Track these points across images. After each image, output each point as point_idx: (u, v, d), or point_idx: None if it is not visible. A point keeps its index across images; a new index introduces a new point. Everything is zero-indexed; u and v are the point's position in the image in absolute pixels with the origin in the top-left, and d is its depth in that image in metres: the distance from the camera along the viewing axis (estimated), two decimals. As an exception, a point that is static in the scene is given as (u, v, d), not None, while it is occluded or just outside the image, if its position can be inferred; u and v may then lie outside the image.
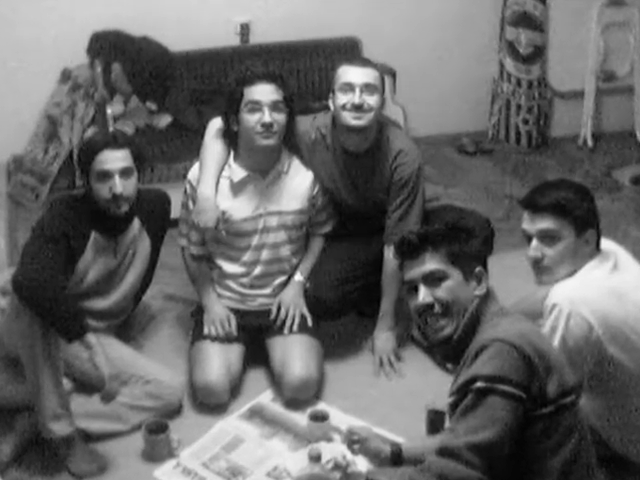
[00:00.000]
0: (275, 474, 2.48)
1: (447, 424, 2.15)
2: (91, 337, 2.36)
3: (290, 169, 2.89)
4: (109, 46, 3.98)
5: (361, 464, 2.36)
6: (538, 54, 4.77)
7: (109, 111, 3.89)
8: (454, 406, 1.83)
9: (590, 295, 2.22)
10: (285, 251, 2.91)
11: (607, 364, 2.24)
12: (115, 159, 2.57)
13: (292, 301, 2.89)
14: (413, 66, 4.57)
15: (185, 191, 2.90)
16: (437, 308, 1.93)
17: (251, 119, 2.72)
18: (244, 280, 2.90)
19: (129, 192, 2.61)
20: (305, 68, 4.26)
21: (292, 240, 2.92)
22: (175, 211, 2.96)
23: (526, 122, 4.88)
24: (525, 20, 4.69)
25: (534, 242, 2.30)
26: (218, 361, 2.75)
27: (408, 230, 2.45)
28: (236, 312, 2.90)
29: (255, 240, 2.86)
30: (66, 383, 2.56)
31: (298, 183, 2.90)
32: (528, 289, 2.57)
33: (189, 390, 2.78)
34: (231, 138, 2.83)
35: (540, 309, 2.28)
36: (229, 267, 2.89)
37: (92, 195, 2.61)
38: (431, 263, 1.94)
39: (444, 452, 1.75)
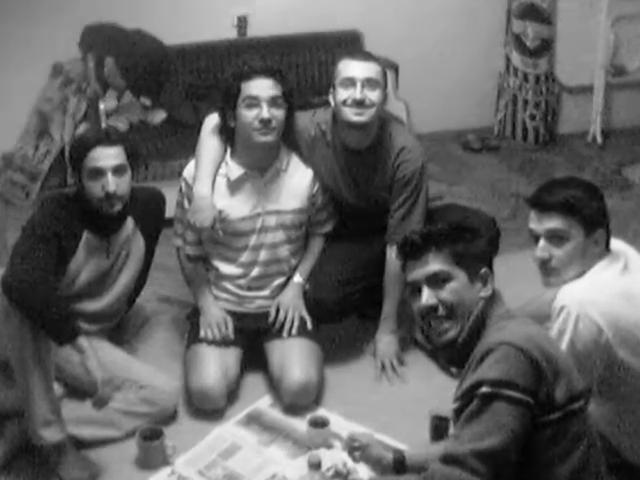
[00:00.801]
0: (274, 482, 2.47)
1: (452, 430, 2.16)
2: (83, 340, 2.34)
3: (289, 167, 2.87)
4: (102, 40, 4.01)
5: (362, 472, 2.36)
6: (546, 47, 4.77)
7: (102, 107, 3.91)
8: (459, 412, 1.80)
9: (599, 297, 2.19)
10: (284, 251, 2.88)
11: (617, 368, 2.20)
12: (108, 156, 2.55)
13: (291, 303, 2.87)
14: (416, 60, 4.60)
15: (180, 189, 2.88)
16: (441, 310, 1.91)
17: (249, 115, 2.70)
18: (241, 282, 2.88)
19: (122, 190, 2.58)
20: (304, 62, 4.30)
21: (291, 240, 2.89)
22: (170, 210, 2.93)
23: (533, 118, 4.88)
24: (532, 12, 4.70)
25: (542, 242, 2.27)
26: (215, 365, 2.73)
27: (411, 230, 2.45)
28: (233, 314, 2.88)
29: (253, 240, 2.83)
30: (57, 388, 2.56)
31: (297, 181, 2.88)
32: (535, 291, 2.53)
33: (184, 395, 2.77)
34: (228, 135, 2.82)
35: (548, 311, 2.25)
36: (226, 268, 2.87)
37: (84, 193, 2.59)
38: (435, 264, 1.92)
39: (448, 459, 1.73)
